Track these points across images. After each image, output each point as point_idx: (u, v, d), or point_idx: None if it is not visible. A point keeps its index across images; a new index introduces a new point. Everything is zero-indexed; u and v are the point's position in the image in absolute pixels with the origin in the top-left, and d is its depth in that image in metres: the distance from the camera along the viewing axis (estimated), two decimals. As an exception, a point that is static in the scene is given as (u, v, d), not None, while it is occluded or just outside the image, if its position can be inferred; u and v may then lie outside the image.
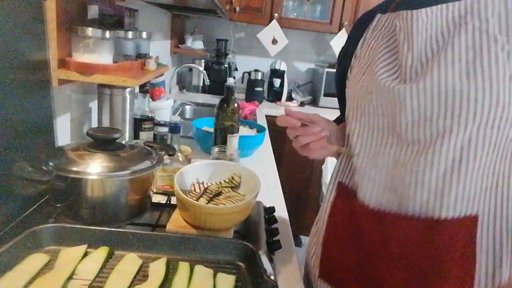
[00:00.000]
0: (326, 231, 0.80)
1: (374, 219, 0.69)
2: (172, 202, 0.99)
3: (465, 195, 0.62)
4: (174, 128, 1.09)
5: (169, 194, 1.04)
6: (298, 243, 2.83)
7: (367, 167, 0.71)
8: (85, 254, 0.69)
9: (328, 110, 2.84)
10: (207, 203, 0.85)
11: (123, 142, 0.90)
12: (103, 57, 1.03)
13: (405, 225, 0.65)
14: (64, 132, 1.11)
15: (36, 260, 0.65)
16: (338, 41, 2.79)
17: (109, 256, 0.69)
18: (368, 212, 0.70)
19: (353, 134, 0.75)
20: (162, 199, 1.02)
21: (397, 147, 0.67)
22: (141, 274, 0.66)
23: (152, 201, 0.94)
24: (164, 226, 0.83)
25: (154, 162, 0.86)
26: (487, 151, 0.60)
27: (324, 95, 2.89)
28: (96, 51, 1.02)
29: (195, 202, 0.79)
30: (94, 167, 0.78)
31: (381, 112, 0.69)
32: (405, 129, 0.65)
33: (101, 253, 0.69)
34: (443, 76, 0.60)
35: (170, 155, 0.96)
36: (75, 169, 0.77)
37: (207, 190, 0.90)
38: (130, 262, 0.68)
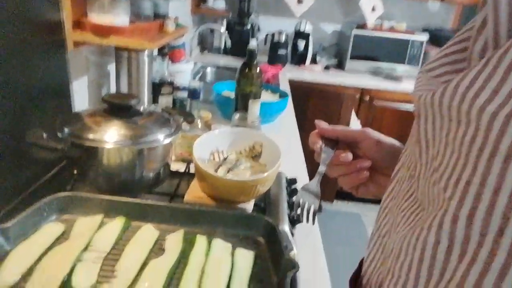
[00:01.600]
0: None
1: None
2: (191, 171, 0.97)
3: None
4: (193, 94, 1.05)
5: (188, 161, 1.01)
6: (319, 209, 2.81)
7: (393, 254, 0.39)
8: (101, 224, 0.67)
9: (355, 75, 2.72)
10: (227, 173, 0.82)
11: (141, 109, 0.87)
12: (119, 17, 0.98)
13: None
14: (81, 96, 1.08)
15: (52, 229, 0.64)
16: (368, 1, 2.62)
17: (126, 227, 0.67)
18: None
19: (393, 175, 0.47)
20: (181, 167, 0.99)
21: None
22: (157, 247, 0.64)
23: (171, 169, 0.92)
24: (183, 196, 0.81)
25: (172, 130, 0.83)
26: None
27: (351, 58, 2.76)
28: (112, 11, 0.97)
29: (214, 173, 0.75)
30: (110, 135, 0.75)
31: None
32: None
33: (117, 223, 0.67)
34: None
35: (189, 122, 0.93)
36: (90, 137, 0.74)
37: (227, 160, 0.87)
38: (146, 234, 0.66)
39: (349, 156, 0.55)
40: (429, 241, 0.32)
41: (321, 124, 0.58)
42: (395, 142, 0.56)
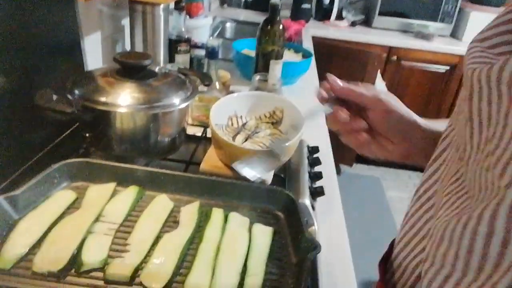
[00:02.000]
0: None
1: None
2: (208, 135, 0.92)
3: None
4: (211, 53, 0.98)
5: (205, 125, 0.96)
6: (337, 171, 2.77)
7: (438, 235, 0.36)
8: (114, 192, 0.64)
9: (383, 33, 2.57)
10: (245, 141, 0.77)
11: (156, 69, 0.81)
12: (132, -33, 0.91)
13: None
14: (95, 53, 1.03)
15: (63, 197, 0.61)
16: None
17: (139, 196, 0.64)
18: None
19: (438, 152, 0.44)
20: (198, 130, 0.95)
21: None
22: (172, 219, 0.61)
23: (187, 133, 0.88)
24: (199, 164, 0.77)
25: (189, 93, 0.78)
26: None
27: (379, 14, 2.59)
28: (124, -40, 0.89)
29: (232, 142, 0.71)
30: (123, 99, 0.70)
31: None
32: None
33: (130, 193, 0.64)
34: None
35: (206, 85, 0.87)
36: (102, 100, 0.70)
37: (245, 126, 0.82)
38: (160, 204, 0.63)
39: (344, 116, 0.52)
40: (480, 231, 0.30)
41: (333, 80, 0.54)
42: (409, 116, 0.52)
